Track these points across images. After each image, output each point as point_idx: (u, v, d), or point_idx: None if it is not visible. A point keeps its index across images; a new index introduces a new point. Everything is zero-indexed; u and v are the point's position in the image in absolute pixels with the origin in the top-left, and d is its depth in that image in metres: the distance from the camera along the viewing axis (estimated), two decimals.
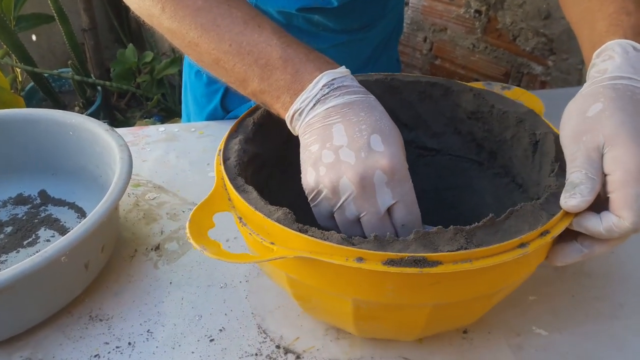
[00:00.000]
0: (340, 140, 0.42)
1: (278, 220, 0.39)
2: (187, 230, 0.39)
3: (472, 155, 0.60)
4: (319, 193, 0.43)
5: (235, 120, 0.53)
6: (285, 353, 0.49)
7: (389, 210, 0.42)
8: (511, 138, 0.55)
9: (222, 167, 0.46)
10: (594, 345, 0.50)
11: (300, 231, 0.39)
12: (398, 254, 0.36)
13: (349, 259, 0.37)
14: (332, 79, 0.44)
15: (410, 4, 1.52)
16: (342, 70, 0.45)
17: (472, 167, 0.60)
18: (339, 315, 0.45)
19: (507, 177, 0.57)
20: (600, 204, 0.41)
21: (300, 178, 0.45)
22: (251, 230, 0.41)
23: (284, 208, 0.40)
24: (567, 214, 0.41)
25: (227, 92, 0.86)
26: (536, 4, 1.19)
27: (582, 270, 0.58)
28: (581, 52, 0.53)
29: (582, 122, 0.43)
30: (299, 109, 0.44)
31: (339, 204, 0.42)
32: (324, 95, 0.43)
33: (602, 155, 0.41)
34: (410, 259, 0.36)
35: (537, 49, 1.23)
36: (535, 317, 0.53)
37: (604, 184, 0.41)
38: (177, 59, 2.17)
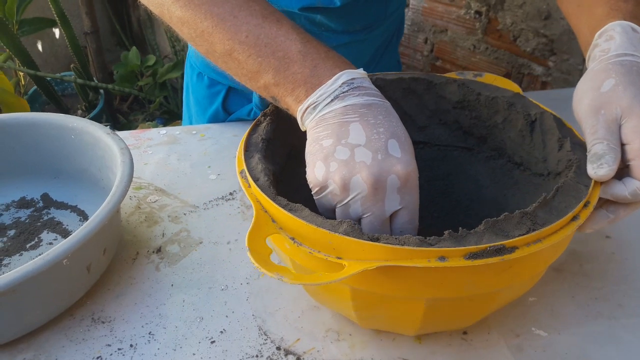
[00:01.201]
0: (357, 139, 0.42)
1: (346, 233, 0.38)
2: (254, 262, 0.37)
3: (459, 143, 0.61)
4: (325, 188, 0.43)
5: (240, 128, 0.52)
6: (286, 355, 0.49)
7: (391, 215, 0.42)
8: (503, 121, 0.57)
9: (257, 190, 0.43)
10: (594, 346, 0.50)
11: (372, 240, 0.38)
12: (479, 246, 0.37)
13: (431, 260, 0.37)
14: (352, 78, 0.44)
15: (410, 5, 1.52)
16: (361, 71, 0.45)
17: (461, 155, 0.61)
18: (405, 320, 0.46)
19: (501, 158, 0.59)
20: (617, 172, 0.45)
21: (302, 192, 0.44)
22: (310, 249, 0.40)
23: (347, 220, 0.39)
24: (595, 183, 0.45)
25: (229, 94, 0.86)
26: (536, 5, 1.19)
27: (581, 271, 0.58)
28: (581, 52, 0.55)
29: (598, 97, 0.47)
30: (314, 103, 0.44)
31: (345, 201, 0.42)
32: (343, 92, 0.43)
33: (619, 127, 0.45)
34: (492, 248, 0.37)
35: (537, 49, 1.23)
36: (534, 318, 0.53)
37: (622, 153, 0.45)
38: (179, 62, 2.18)
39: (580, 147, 0.50)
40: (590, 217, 0.46)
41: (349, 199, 0.42)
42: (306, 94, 0.44)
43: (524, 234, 0.38)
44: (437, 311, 0.43)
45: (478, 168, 0.61)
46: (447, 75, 0.60)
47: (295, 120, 0.46)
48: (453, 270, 0.38)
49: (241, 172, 0.47)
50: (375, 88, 0.45)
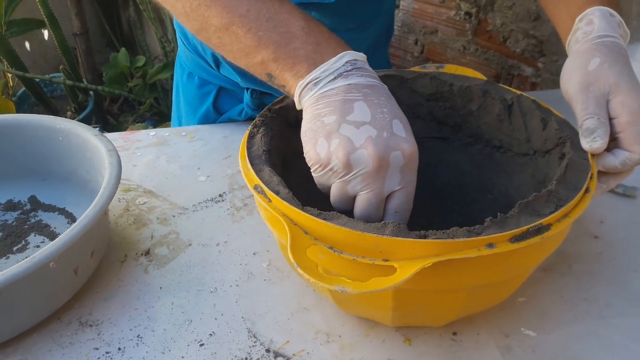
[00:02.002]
0: (362, 116, 0.42)
1: (394, 234, 0.38)
2: (310, 277, 0.36)
3: (434, 134, 0.62)
4: (326, 165, 0.42)
5: (238, 141, 0.51)
6: (275, 357, 0.49)
7: (387, 196, 0.43)
8: (477, 108, 0.59)
9: (283, 203, 0.42)
10: (582, 345, 0.50)
11: (420, 237, 0.38)
12: (521, 228, 0.38)
13: (481, 248, 0.38)
14: (355, 59, 0.45)
15: (401, 7, 1.52)
16: (362, 54, 0.46)
17: (436, 144, 0.63)
18: (443, 311, 0.46)
19: (479, 143, 0.61)
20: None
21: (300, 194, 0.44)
22: (354, 256, 0.39)
23: (390, 222, 0.39)
24: (591, 156, 0.48)
25: (220, 94, 0.86)
26: (526, 6, 1.20)
27: (570, 271, 0.59)
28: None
29: (586, 76, 0.50)
30: (316, 79, 0.43)
31: (345, 177, 0.42)
32: (347, 71, 0.44)
33: (607, 102, 0.49)
34: (533, 229, 0.39)
35: (527, 50, 1.24)
36: (523, 319, 0.53)
37: (611, 127, 0.48)
38: (169, 63, 2.17)
39: (564, 124, 0.52)
40: None
41: (351, 174, 0.41)
42: (308, 69, 0.44)
43: (553, 212, 0.40)
44: (476, 297, 0.44)
45: (456, 155, 0.62)
46: (413, 69, 0.61)
47: (286, 129, 0.45)
48: (499, 255, 0.38)
49: (255, 187, 0.45)
50: (374, 72, 0.46)
